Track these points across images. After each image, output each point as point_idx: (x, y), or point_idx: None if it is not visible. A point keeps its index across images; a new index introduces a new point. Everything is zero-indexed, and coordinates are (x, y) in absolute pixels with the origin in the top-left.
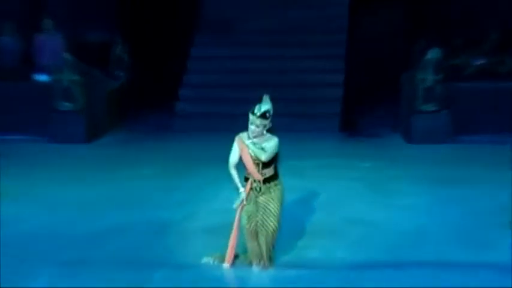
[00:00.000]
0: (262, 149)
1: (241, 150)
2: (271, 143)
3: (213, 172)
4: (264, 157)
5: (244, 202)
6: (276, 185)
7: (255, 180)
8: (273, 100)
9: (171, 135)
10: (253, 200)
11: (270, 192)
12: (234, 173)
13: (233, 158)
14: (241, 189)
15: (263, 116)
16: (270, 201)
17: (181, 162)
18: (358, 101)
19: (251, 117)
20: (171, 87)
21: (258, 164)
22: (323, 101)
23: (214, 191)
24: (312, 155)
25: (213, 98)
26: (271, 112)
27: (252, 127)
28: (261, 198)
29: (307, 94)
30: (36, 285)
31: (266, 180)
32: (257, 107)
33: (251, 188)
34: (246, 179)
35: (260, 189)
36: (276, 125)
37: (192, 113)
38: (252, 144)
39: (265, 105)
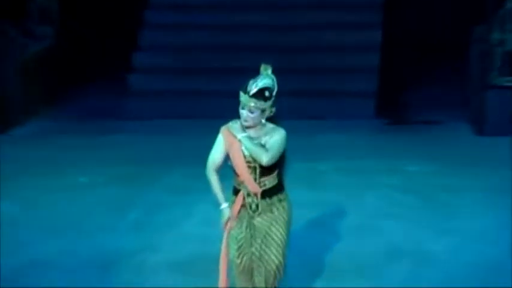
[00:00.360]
0: (263, 146)
1: (229, 147)
2: (275, 137)
3: (182, 180)
4: (265, 159)
5: (231, 224)
6: (280, 200)
7: (249, 194)
8: (277, 72)
9: (120, 124)
10: (246, 222)
11: (271, 212)
12: (213, 179)
13: (214, 157)
14: (224, 205)
15: (260, 95)
16: (272, 224)
17: (135, 166)
18: (404, 72)
19: (242, 97)
20: (120, 50)
21: (254, 169)
22: (352, 72)
23: (184, 208)
24: (334, 153)
25: (184, 68)
26: (274, 90)
27: (244, 112)
28: (259, 221)
29: (329, 62)
30: None
31: (266, 194)
32: (251, 82)
33: (243, 205)
34: (236, 192)
35: (257, 206)
36: (282, 110)
37: (152, 90)
38: (246, 139)
39: (265, 80)
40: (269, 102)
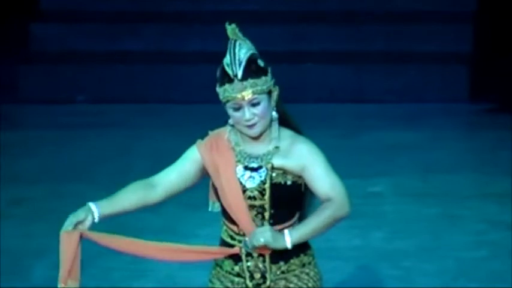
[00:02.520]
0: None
1: (213, 171)
2: (313, 162)
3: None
4: (347, 208)
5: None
6: (303, 264)
7: (250, 255)
8: (283, 19)
9: (13, 109)
10: None
11: (288, 282)
12: (131, 192)
13: (169, 174)
14: (93, 206)
15: (254, 69)
16: None
17: (34, 188)
18: None
19: (229, 90)
20: None
21: (260, 211)
22: (428, 20)
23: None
24: (396, 164)
25: (116, 14)
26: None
27: (244, 113)
28: None
29: (382, 4)
30: None
31: (280, 255)
32: (229, 60)
33: (237, 274)
34: (223, 247)
35: (263, 277)
36: (301, 88)
37: (67, 50)
38: (294, 234)
39: (244, 46)
40: (270, 76)
